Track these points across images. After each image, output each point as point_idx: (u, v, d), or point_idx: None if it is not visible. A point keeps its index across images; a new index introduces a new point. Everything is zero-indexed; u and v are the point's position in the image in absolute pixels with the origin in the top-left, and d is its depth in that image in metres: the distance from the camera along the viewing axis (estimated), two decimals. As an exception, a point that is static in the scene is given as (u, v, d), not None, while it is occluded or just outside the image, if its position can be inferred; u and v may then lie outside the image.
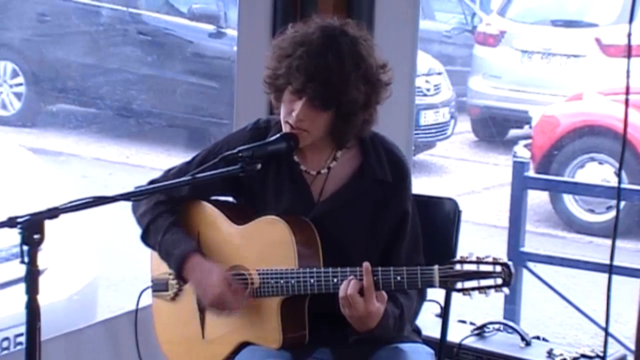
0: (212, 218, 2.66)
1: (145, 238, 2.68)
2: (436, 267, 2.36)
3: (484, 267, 2.32)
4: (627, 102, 2.76)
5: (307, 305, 2.52)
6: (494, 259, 2.32)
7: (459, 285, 2.33)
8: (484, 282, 2.32)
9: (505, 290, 2.32)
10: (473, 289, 2.32)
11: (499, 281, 2.31)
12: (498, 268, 2.31)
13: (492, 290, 2.32)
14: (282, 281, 2.49)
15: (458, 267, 2.33)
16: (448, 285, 2.35)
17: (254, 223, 2.58)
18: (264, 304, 2.53)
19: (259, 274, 2.53)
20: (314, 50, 2.45)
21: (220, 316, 2.60)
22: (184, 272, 2.58)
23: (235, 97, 3.67)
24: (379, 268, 2.38)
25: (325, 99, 2.45)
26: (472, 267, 2.32)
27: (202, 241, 2.65)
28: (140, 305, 2.87)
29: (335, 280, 2.42)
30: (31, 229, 2.05)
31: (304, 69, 2.44)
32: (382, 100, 2.55)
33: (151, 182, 2.65)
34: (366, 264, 2.37)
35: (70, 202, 2.18)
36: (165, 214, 2.64)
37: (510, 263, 2.32)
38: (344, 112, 2.48)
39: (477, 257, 2.33)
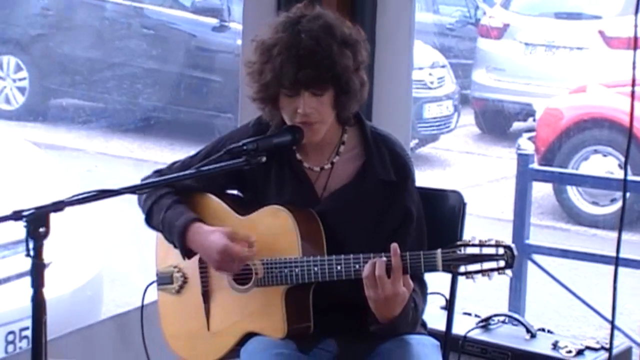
0: (216, 209, 2.66)
1: (149, 220, 2.68)
2: (439, 250, 2.37)
3: (486, 250, 2.33)
4: (633, 94, 2.75)
5: (311, 295, 2.52)
6: (496, 241, 2.33)
7: (462, 268, 2.34)
8: (487, 265, 2.32)
9: (508, 272, 2.32)
10: (476, 272, 2.32)
11: (502, 264, 2.32)
12: (501, 250, 2.32)
13: (496, 273, 2.32)
14: (286, 270, 2.49)
15: (461, 250, 2.34)
16: (451, 268, 2.35)
17: (257, 213, 2.58)
18: (268, 293, 2.54)
19: (263, 264, 2.54)
20: (288, 42, 2.46)
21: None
22: (188, 241, 2.57)
23: (240, 91, 3.67)
24: (382, 253, 2.38)
25: (321, 80, 2.46)
26: (475, 250, 2.33)
27: None
28: (147, 300, 2.87)
29: (339, 267, 2.43)
30: (36, 223, 2.05)
31: (289, 62, 2.44)
32: (366, 58, 2.56)
33: (157, 172, 2.67)
34: (394, 246, 2.37)
35: (76, 196, 2.18)
36: (168, 194, 2.65)
37: (512, 245, 2.33)
38: (342, 84, 2.49)
39: (480, 240, 2.34)
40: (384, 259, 2.37)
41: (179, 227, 2.57)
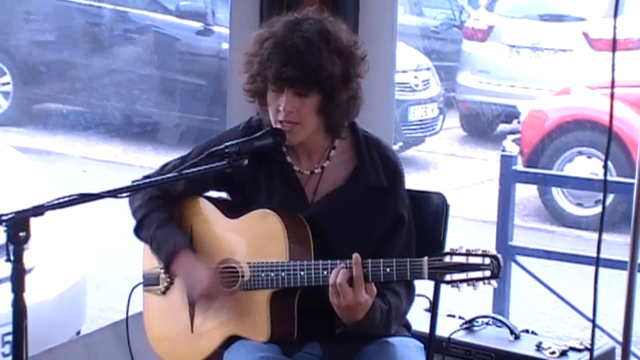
0: (205, 212, 2.67)
1: (138, 231, 2.69)
2: (425, 258, 2.37)
3: (473, 260, 2.33)
4: (612, 95, 2.76)
5: (296, 300, 2.52)
6: (483, 251, 2.33)
7: (447, 277, 2.34)
8: (473, 275, 2.32)
9: (494, 282, 2.33)
10: (461, 281, 2.33)
11: (488, 274, 2.32)
12: (487, 260, 2.32)
13: (481, 283, 2.32)
14: (272, 274, 2.49)
15: (447, 259, 2.34)
16: (437, 277, 2.36)
17: (246, 216, 2.58)
18: (253, 297, 2.54)
19: (250, 267, 2.54)
20: (280, 38, 2.48)
21: (209, 309, 2.60)
22: (173, 267, 2.60)
23: (228, 95, 3.67)
24: (369, 260, 2.39)
25: (304, 81, 2.46)
26: (461, 259, 2.33)
27: (195, 235, 2.66)
28: (131, 303, 2.86)
29: (325, 272, 2.43)
30: (16, 227, 2.05)
31: (275, 57, 2.46)
32: (362, 73, 2.56)
33: (146, 178, 2.65)
34: (356, 255, 2.38)
35: (56, 200, 2.18)
36: (159, 208, 2.66)
37: (499, 256, 2.33)
38: (327, 91, 2.48)
39: (467, 250, 2.34)
40: (347, 268, 2.38)
41: (166, 252, 2.59)
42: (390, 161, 2.62)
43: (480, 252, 2.33)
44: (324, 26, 2.51)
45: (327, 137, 2.61)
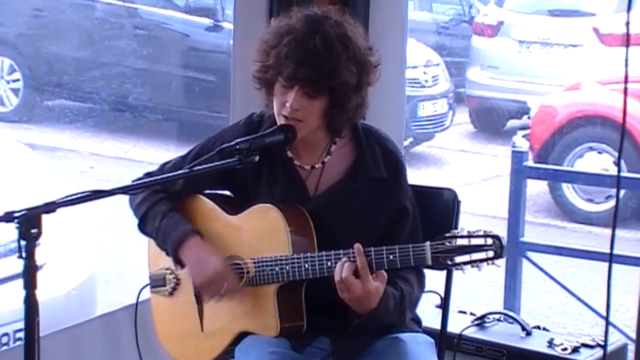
0: (207, 210, 2.67)
1: (142, 226, 2.68)
2: (427, 243, 2.37)
3: (475, 241, 2.33)
4: (625, 90, 2.75)
5: (303, 293, 2.52)
6: (484, 232, 2.33)
7: (451, 260, 2.33)
8: (476, 256, 2.32)
9: (498, 262, 2.32)
10: (465, 263, 2.32)
11: (491, 254, 2.32)
12: (489, 241, 2.32)
13: (485, 264, 2.32)
14: (277, 268, 2.49)
15: (450, 242, 2.33)
16: (440, 261, 2.35)
17: (247, 212, 2.58)
18: (260, 292, 2.54)
19: (254, 263, 2.54)
20: (301, 37, 2.46)
21: (217, 307, 2.59)
22: (181, 253, 2.58)
23: (232, 91, 3.66)
24: (372, 248, 2.39)
25: (317, 84, 2.45)
26: (464, 242, 2.33)
27: None
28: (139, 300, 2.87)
29: (329, 263, 2.43)
30: (28, 224, 2.05)
31: (293, 56, 2.45)
32: (373, 82, 2.56)
33: (147, 175, 2.65)
34: (357, 245, 2.38)
35: (67, 197, 2.18)
36: (163, 200, 2.65)
37: (501, 235, 2.32)
38: (337, 97, 2.48)
39: (468, 232, 2.34)
40: (350, 261, 2.38)
41: (174, 238, 2.58)
42: (390, 153, 2.61)
43: (482, 233, 2.33)
44: (345, 31, 2.50)
45: (327, 135, 2.61)
